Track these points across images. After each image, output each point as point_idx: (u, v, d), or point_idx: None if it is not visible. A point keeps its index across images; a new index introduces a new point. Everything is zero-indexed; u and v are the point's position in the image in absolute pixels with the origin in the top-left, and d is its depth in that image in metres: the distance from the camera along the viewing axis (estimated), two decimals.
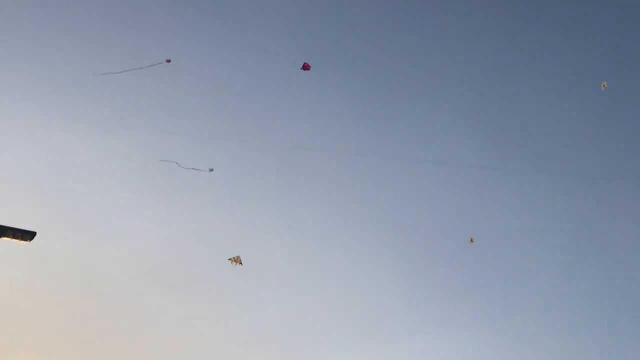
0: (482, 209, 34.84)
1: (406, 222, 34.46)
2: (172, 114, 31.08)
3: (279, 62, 26.36)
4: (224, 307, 31.71)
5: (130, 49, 29.85)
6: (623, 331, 32.17)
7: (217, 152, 30.15)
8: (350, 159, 31.85)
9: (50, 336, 28.71)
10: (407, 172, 32.81)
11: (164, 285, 30.83)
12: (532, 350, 31.36)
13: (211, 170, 23.06)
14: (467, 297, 33.18)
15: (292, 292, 32.49)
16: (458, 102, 35.09)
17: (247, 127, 32.23)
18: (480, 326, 32.60)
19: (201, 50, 31.64)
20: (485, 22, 35.87)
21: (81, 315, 29.26)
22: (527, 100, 35.52)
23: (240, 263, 22.65)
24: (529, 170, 32.38)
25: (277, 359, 30.58)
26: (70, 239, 29.32)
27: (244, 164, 32.13)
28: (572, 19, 36.25)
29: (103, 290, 29.58)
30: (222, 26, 33.08)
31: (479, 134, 35.65)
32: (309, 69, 24.10)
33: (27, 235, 15.84)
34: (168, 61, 23.90)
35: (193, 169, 23.01)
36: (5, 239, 15.70)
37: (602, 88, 26.10)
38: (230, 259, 22.58)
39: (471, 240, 27.30)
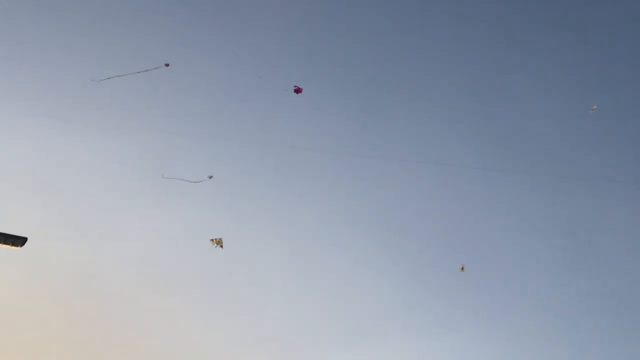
0: (482, 210, 34.92)
1: (406, 222, 34.50)
2: (172, 114, 31.04)
3: (270, 87, 26.42)
4: (222, 309, 31.79)
5: (129, 51, 29.88)
6: (621, 333, 32.30)
7: (216, 152, 30.22)
8: (350, 159, 31.83)
9: (48, 339, 28.79)
10: (407, 172, 32.83)
11: (162, 287, 30.88)
12: (530, 352, 31.50)
13: (210, 177, 23.29)
14: (466, 298, 33.28)
15: (291, 292, 32.58)
16: (457, 102, 35.08)
17: (247, 127, 32.21)
18: (479, 327, 32.73)
19: (200, 52, 31.67)
20: (484, 22, 35.76)
21: (79, 317, 29.34)
22: (526, 100, 35.48)
23: (221, 246, 22.71)
24: (529, 172, 32.35)
25: (276, 359, 30.70)
26: (68, 241, 29.38)
27: (243, 164, 32.14)
28: (571, 19, 36.13)
29: (101, 293, 29.62)
30: (222, 26, 33.02)
31: (479, 135, 35.64)
32: (300, 92, 24.10)
33: (18, 240, 15.49)
34: (167, 65, 23.93)
35: (195, 182, 23.19)
36: None
37: (591, 112, 26.20)
38: (211, 240, 22.67)
39: (462, 268, 27.42)
